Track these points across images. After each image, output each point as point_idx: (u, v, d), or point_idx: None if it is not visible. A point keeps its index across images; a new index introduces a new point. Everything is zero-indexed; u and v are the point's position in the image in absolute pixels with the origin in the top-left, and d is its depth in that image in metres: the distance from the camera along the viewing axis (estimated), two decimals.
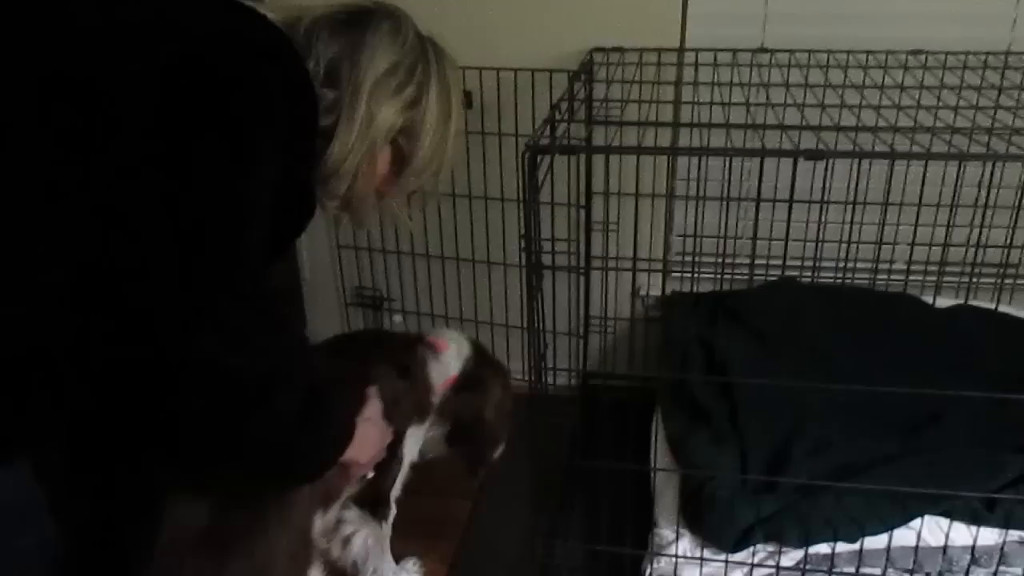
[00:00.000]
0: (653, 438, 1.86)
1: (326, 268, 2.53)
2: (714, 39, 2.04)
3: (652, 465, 1.77)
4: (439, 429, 1.75)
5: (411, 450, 1.68)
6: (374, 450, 1.36)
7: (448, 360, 1.71)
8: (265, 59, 1.00)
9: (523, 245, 1.41)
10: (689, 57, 2.03)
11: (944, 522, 1.51)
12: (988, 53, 1.93)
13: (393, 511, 1.69)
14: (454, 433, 1.75)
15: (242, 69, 0.97)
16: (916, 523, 1.51)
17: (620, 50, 2.05)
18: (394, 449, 1.54)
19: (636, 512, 1.79)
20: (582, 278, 2.30)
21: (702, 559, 1.55)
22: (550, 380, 1.92)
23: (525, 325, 1.52)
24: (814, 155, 1.21)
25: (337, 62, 1.10)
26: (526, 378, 1.58)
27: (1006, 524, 1.48)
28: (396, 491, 1.68)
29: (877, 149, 1.27)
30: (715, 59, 1.97)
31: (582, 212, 2.21)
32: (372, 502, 1.65)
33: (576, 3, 2.09)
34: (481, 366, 1.77)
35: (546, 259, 1.92)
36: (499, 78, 2.12)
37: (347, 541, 1.65)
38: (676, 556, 1.56)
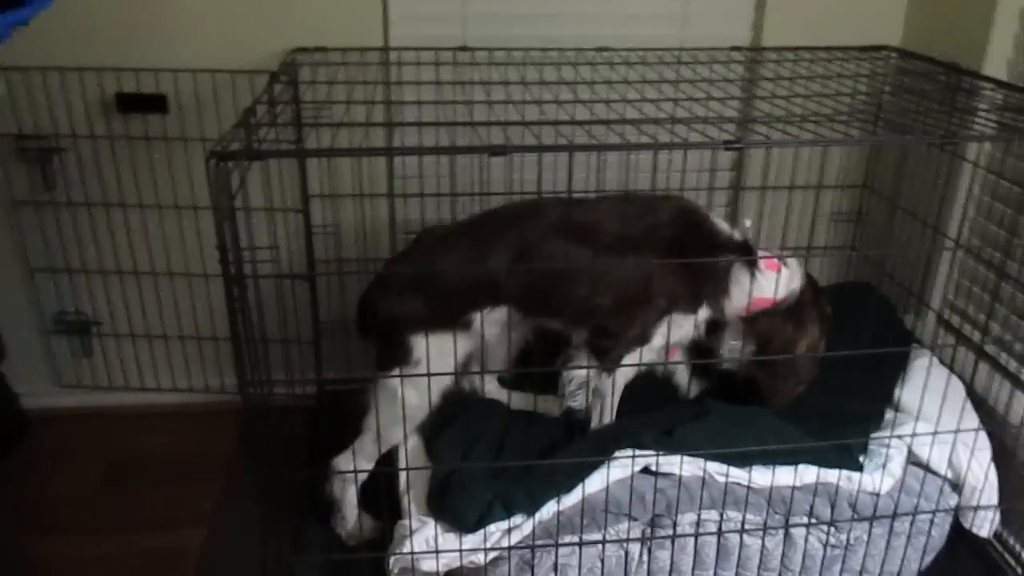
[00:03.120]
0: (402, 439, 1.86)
1: (19, 294, 2.26)
2: (417, 39, 2.07)
3: (397, 466, 1.77)
4: (747, 345, 1.76)
5: (675, 333, 1.71)
6: None
7: (770, 282, 1.67)
8: None
9: (220, 256, 1.34)
10: (393, 56, 2.04)
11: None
12: (664, 49, 2.11)
13: (618, 375, 1.77)
14: (759, 354, 1.74)
15: None
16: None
17: (323, 50, 2.02)
18: (647, 319, 1.66)
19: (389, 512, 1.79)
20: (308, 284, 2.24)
21: (437, 551, 1.57)
22: (279, 391, 1.84)
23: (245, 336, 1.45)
24: (498, 151, 1.26)
25: None
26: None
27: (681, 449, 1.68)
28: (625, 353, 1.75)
29: (558, 143, 1.34)
30: (418, 58, 2.00)
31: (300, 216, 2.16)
32: (600, 355, 1.74)
33: (276, 3, 2.03)
34: (811, 306, 1.75)
35: (264, 268, 1.86)
36: (196, 80, 2.01)
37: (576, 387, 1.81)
38: (412, 553, 1.57)
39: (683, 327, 1.74)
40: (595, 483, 1.65)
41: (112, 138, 2.07)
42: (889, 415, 1.80)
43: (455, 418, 1.83)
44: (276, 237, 2.09)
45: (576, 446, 1.73)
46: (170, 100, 2.03)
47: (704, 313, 1.75)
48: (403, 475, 1.74)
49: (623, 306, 1.69)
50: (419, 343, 1.65)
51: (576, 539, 1.61)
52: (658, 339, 1.73)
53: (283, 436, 1.86)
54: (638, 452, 1.67)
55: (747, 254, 1.71)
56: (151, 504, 1.82)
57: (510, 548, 1.60)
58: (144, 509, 1.83)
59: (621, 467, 1.66)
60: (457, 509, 1.60)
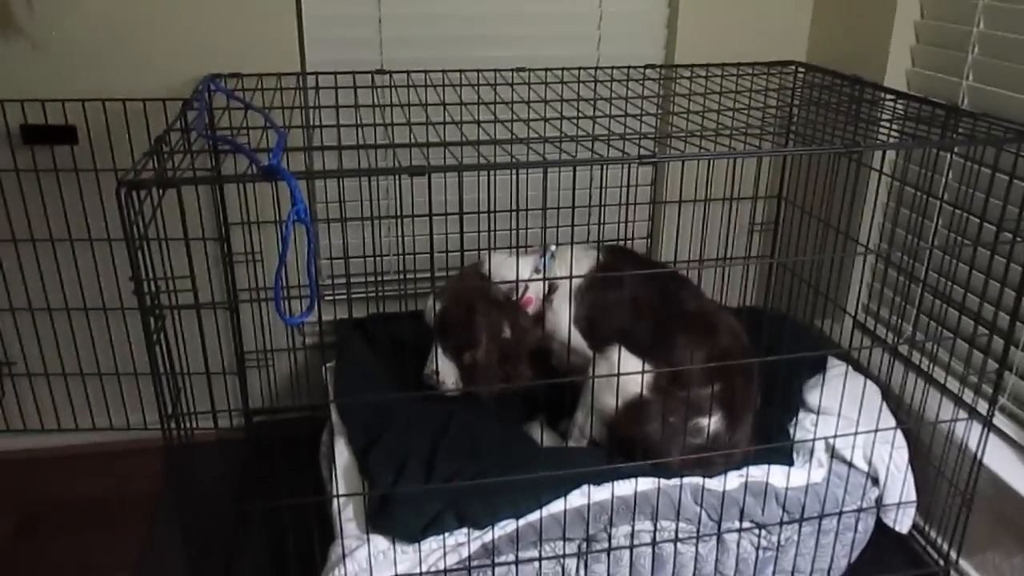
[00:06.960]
0: (331, 464, 1.83)
1: None
2: (334, 63, 2.06)
3: (330, 492, 1.74)
4: None
5: None
6: None
7: None
8: None
9: (135, 288, 1.30)
10: (311, 81, 2.02)
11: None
12: (580, 68, 2.14)
13: None
14: None
15: None
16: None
17: (238, 76, 1.99)
18: None
19: (321, 544, 1.76)
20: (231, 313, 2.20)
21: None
22: (206, 424, 1.79)
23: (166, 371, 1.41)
24: (416, 171, 1.26)
25: None
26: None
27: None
28: None
29: (475, 162, 1.34)
30: (336, 82, 1.99)
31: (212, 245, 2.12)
32: None
33: (188, 29, 2.00)
34: None
35: (184, 297, 1.82)
36: (106, 109, 1.96)
37: None
38: None
39: None
40: (556, 506, 1.65)
41: (18, 171, 2.00)
42: (812, 418, 1.85)
43: (380, 436, 1.80)
44: (195, 266, 2.04)
45: (533, 467, 1.67)
46: (80, 131, 1.97)
47: None
48: (333, 501, 1.71)
49: None
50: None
51: (512, 557, 1.61)
52: None
53: (211, 472, 1.81)
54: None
55: None
56: (71, 553, 1.73)
57: (446, 571, 1.58)
58: (64, 559, 1.74)
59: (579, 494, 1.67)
60: (401, 519, 1.59)
